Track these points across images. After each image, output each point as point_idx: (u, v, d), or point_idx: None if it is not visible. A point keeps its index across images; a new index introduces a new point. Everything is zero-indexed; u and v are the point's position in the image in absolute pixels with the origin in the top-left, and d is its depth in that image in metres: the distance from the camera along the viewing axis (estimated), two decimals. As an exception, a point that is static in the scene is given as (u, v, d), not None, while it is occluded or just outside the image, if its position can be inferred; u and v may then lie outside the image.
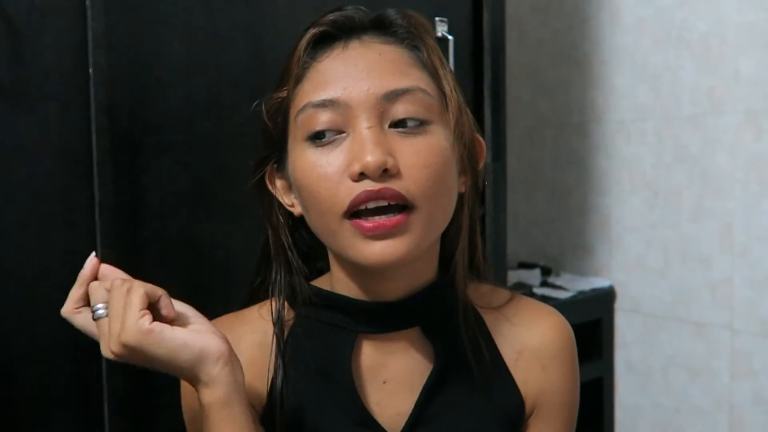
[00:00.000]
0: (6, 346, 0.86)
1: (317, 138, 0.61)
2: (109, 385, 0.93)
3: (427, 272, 0.68)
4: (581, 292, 1.85)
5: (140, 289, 0.59)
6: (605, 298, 1.90)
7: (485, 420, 0.68)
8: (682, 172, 1.73)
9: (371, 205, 0.59)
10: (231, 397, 0.60)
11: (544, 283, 1.92)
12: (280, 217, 0.70)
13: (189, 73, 0.98)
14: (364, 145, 0.59)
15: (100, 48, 0.91)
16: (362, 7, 0.67)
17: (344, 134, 0.61)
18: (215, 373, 0.59)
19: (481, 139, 0.70)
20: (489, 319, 0.72)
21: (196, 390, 0.61)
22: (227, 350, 0.60)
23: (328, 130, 0.61)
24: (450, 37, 1.25)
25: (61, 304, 0.65)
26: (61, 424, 0.91)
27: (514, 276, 1.92)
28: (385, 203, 0.59)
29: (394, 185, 0.59)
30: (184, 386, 0.69)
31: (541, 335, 0.71)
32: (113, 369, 0.93)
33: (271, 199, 0.70)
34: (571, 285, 1.89)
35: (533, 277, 1.94)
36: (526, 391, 0.70)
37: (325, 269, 0.72)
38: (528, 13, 2.12)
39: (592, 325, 1.88)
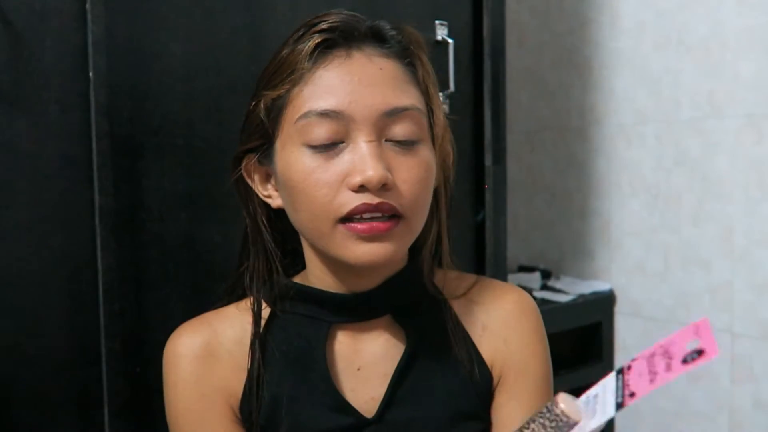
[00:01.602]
0: (6, 349, 0.86)
1: (318, 147, 0.65)
2: (109, 388, 0.93)
3: (398, 264, 0.73)
4: (581, 296, 1.85)
5: None
6: (605, 302, 1.89)
7: (455, 396, 0.72)
8: (682, 176, 1.73)
9: (366, 215, 0.63)
10: None
11: (544, 287, 1.92)
12: (258, 207, 0.74)
13: (189, 76, 0.98)
14: (366, 160, 0.63)
15: (100, 51, 0.91)
16: (357, 14, 0.69)
17: (343, 143, 0.65)
18: None
19: (452, 147, 0.75)
20: (456, 303, 0.77)
21: None
22: None
23: (329, 141, 0.64)
24: (450, 41, 1.25)
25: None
26: (61, 427, 0.91)
27: (514, 279, 1.92)
28: (379, 214, 0.64)
29: (390, 199, 0.64)
30: (176, 385, 0.71)
31: (501, 310, 0.77)
32: (114, 372, 0.93)
33: (248, 188, 0.73)
34: (571, 288, 1.89)
35: (533, 280, 1.94)
36: (492, 364, 0.75)
37: (296, 258, 0.76)
38: (528, 17, 2.13)
39: (592, 328, 1.88)
